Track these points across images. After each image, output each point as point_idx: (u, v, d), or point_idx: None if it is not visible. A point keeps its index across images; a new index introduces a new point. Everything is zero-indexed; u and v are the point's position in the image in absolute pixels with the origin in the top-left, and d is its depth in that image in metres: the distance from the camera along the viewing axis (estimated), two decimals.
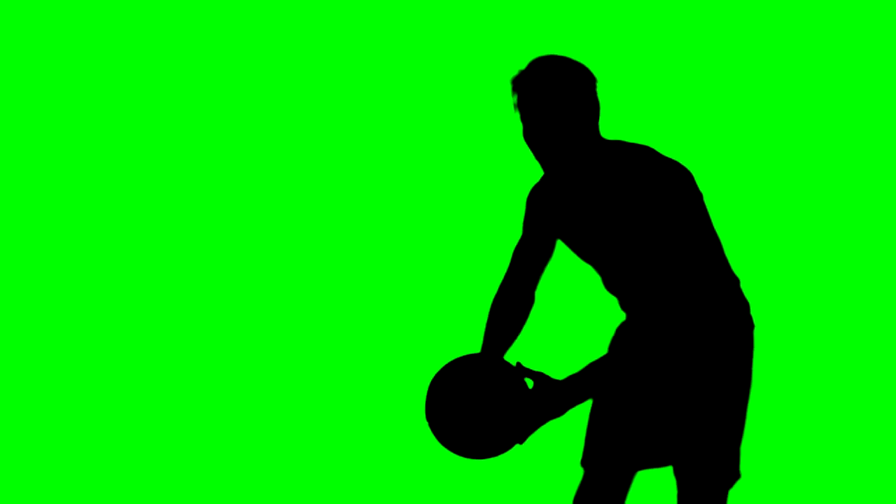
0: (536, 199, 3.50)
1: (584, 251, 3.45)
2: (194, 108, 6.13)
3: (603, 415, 3.48)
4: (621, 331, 3.51)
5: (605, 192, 3.33)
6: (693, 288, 3.28)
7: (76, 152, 6.13)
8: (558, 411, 3.28)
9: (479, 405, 3.24)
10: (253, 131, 6.14)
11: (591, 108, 3.34)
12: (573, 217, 3.41)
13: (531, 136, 3.34)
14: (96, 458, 6.06)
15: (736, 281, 3.40)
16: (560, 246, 6.12)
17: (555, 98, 3.30)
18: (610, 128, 6.02)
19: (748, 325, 3.40)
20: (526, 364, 5.99)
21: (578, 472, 5.98)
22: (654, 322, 3.29)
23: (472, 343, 6.18)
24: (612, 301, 6.04)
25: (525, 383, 3.28)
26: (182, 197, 6.14)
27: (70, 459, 6.06)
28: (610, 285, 3.47)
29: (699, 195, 3.34)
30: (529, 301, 3.55)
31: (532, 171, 6.13)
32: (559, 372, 6.12)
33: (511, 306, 3.52)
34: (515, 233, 6.10)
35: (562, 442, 6.04)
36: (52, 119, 6.12)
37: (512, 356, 6.22)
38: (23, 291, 6.10)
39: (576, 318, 6.09)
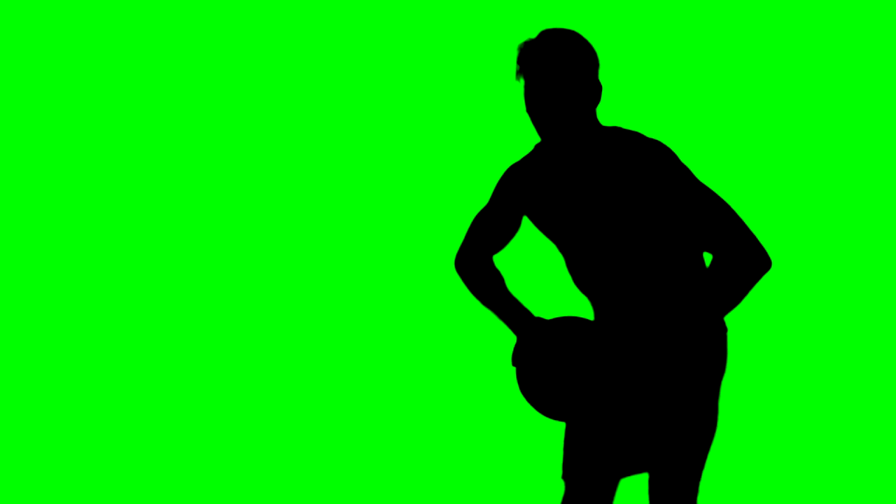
0: (516, 174, 3.52)
1: (557, 233, 3.48)
2: (189, 107, 6.24)
3: (580, 425, 3.48)
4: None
5: (592, 177, 3.38)
6: (665, 288, 3.36)
7: (70, 152, 6.25)
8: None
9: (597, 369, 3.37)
10: (248, 130, 6.26)
11: (594, 88, 3.38)
12: (554, 197, 3.44)
13: (533, 106, 3.37)
14: (95, 458, 6.16)
15: None
16: (534, 251, 6.05)
17: (562, 70, 3.35)
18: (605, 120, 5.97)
19: (721, 328, 3.43)
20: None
21: (560, 487, 5.97)
22: (625, 327, 3.39)
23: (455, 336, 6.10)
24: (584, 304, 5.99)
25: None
26: (177, 196, 6.24)
27: (69, 459, 6.16)
28: (578, 275, 3.49)
29: (689, 190, 3.37)
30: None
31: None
32: None
33: (493, 271, 3.57)
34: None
35: (542, 456, 6.09)
36: (49, 119, 6.23)
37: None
38: (22, 292, 6.21)
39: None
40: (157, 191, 6.23)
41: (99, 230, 6.21)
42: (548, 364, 3.36)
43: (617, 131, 3.39)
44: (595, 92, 3.38)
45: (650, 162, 3.33)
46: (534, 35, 3.43)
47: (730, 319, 6.09)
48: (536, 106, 3.35)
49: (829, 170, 6.09)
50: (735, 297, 3.35)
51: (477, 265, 3.55)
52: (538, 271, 6.15)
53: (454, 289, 6.22)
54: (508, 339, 6.17)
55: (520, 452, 6.10)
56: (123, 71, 6.20)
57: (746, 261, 3.35)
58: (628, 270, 3.37)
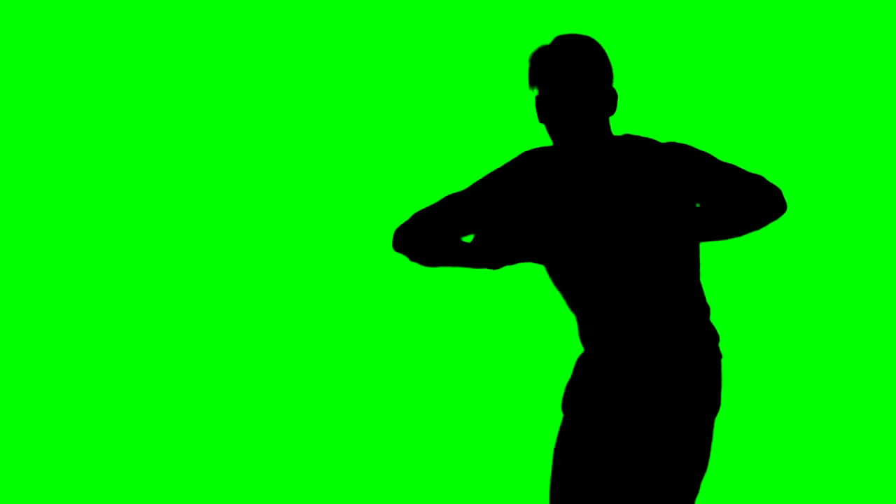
0: (525, 165, 3.46)
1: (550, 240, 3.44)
2: (189, 108, 6.28)
3: (567, 459, 3.45)
4: (581, 365, 3.49)
5: (598, 184, 3.35)
6: (661, 317, 3.34)
7: (66, 152, 6.29)
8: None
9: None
10: (245, 129, 6.30)
11: (609, 96, 3.34)
12: (552, 200, 3.40)
13: (546, 113, 3.33)
14: (94, 458, 6.21)
15: (706, 310, 3.43)
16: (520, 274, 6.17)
17: (576, 77, 3.30)
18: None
19: (715, 355, 3.41)
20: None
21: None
22: (616, 357, 3.37)
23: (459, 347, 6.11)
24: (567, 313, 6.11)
25: None
26: (177, 197, 6.28)
27: (68, 459, 6.20)
28: (568, 286, 3.43)
29: (715, 174, 3.32)
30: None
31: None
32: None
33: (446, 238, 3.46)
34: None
35: (529, 488, 6.08)
36: (46, 119, 6.27)
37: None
38: (22, 292, 6.27)
39: (537, 341, 6.19)
40: (149, 186, 6.27)
41: (86, 228, 6.24)
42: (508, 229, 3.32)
43: (627, 139, 3.37)
44: (610, 100, 3.33)
45: (664, 165, 3.30)
46: (548, 41, 3.39)
47: (724, 345, 6.06)
48: (550, 113, 3.32)
49: (847, 182, 6.10)
50: (737, 226, 3.27)
51: (433, 236, 3.40)
52: (514, 280, 6.18)
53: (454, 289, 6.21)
54: (502, 348, 6.16)
55: (507, 486, 6.10)
56: (121, 70, 6.24)
57: (759, 198, 3.27)
58: (628, 284, 3.32)
